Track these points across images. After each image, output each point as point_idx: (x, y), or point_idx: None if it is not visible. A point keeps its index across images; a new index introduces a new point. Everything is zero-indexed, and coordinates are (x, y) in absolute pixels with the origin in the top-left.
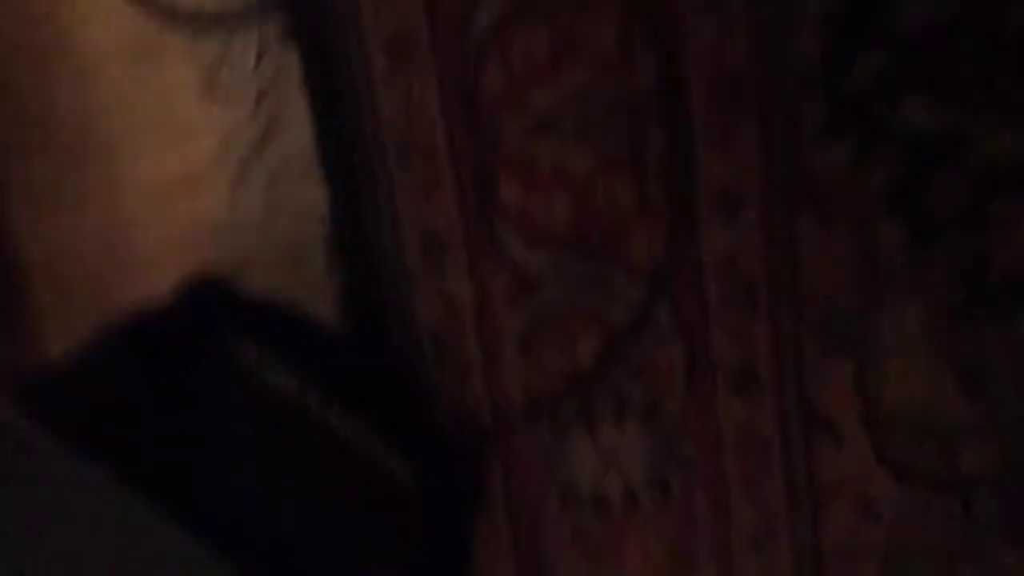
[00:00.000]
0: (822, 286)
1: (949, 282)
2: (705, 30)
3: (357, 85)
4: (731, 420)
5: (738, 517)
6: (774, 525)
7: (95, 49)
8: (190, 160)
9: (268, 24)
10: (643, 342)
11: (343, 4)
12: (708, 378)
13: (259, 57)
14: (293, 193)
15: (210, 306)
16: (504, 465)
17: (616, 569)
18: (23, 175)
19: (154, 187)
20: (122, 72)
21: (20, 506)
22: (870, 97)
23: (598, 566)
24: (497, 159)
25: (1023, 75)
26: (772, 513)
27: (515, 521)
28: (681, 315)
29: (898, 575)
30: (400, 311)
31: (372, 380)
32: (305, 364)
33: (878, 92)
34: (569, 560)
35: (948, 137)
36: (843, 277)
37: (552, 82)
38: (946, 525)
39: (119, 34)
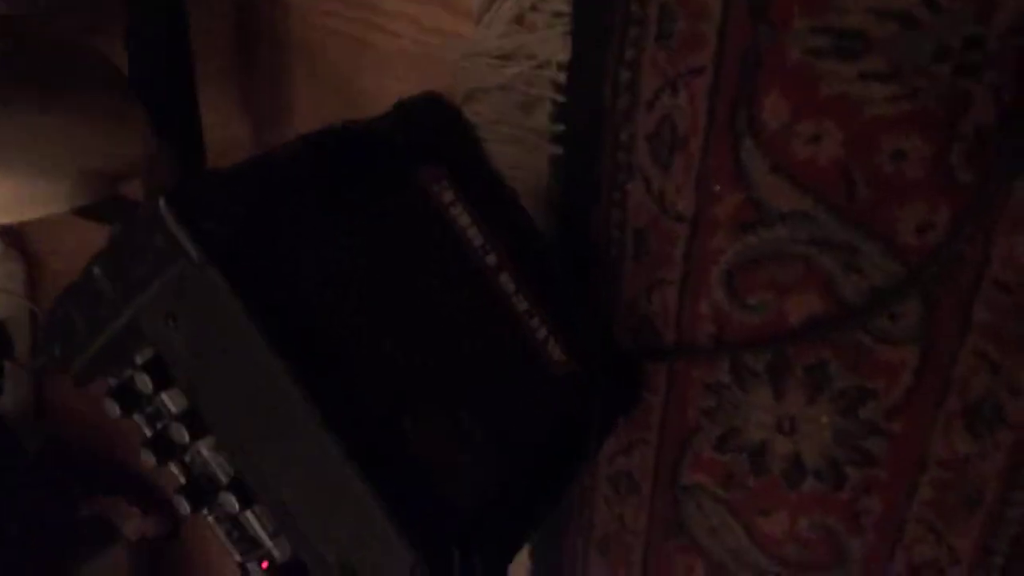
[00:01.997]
0: None
1: None
2: None
3: None
4: (946, 451)
5: (908, 542)
6: (948, 566)
7: None
8: None
9: None
10: (873, 331)
11: None
12: (936, 399)
13: None
14: (533, 42)
15: (425, 129)
16: (670, 386)
17: (750, 526)
18: None
19: None
20: None
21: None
22: None
23: (732, 517)
24: (772, 63)
25: None
26: (954, 557)
27: (663, 447)
28: (932, 319)
29: None
30: (612, 199)
31: (563, 261)
32: (495, 222)
33: None
34: (705, 499)
35: None
36: None
37: None
38: None
39: None
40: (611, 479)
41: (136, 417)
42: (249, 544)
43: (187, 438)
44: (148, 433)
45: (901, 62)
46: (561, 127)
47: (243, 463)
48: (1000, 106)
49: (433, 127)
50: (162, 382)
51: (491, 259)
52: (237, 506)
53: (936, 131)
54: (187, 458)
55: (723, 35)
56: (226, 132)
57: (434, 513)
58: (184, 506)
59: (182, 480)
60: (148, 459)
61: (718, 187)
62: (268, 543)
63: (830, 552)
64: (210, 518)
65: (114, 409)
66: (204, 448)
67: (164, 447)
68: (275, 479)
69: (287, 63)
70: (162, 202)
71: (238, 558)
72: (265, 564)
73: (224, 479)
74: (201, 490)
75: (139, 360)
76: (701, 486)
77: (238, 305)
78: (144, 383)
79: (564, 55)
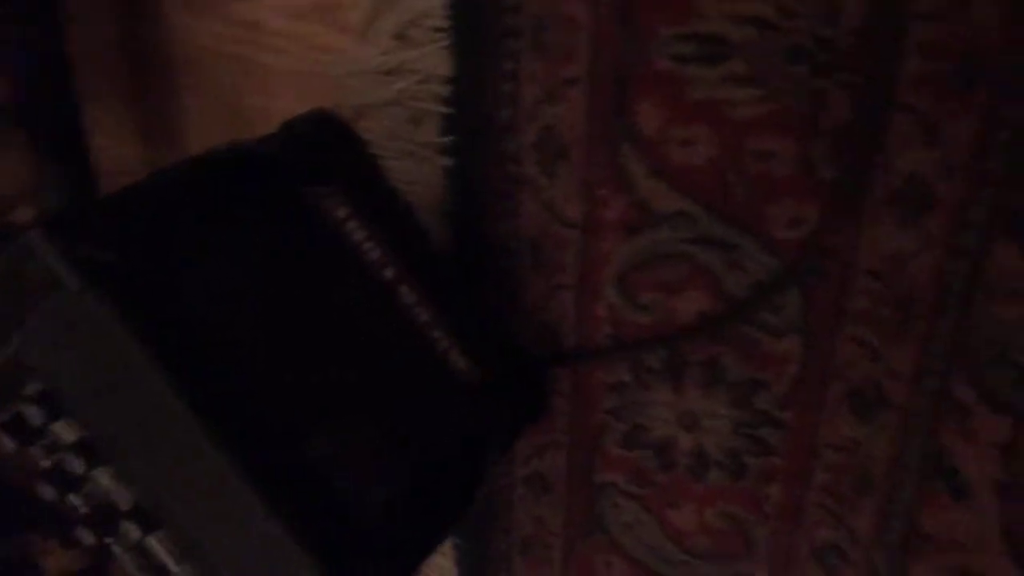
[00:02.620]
0: (998, 330)
1: None
2: None
3: None
4: (835, 436)
5: (809, 526)
6: (849, 547)
7: None
8: None
9: None
10: (758, 323)
11: None
12: (821, 386)
13: None
14: (415, 57)
15: (317, 147)
16: (575, 389)
17: (662, 521)
18: None
19: (291, 9)
20: None
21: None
22: None
23: (645, 513)
24: (642, 72)
25: None
26: (853, 537)
27: (574, 448)
28: (811, 311)
29: None
30: (504, 208)
31: (456, 274)
32: (390, 236)
33: None
34: (618, 497)
35: None
36: None
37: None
38: None
39: None
40: (526, 481)
41: (32, 450)
42: (157, 572)
43: (83, 468)
44: (46, 464)
45: (760, 65)
46: (450, 139)
47: (142, 490)
48: (854, 103)
49: (323, 144)
50: (53, 413)
51: (389, 272)
52: (140, 533)
53: (798, 130)
54: (86, 488)
55: (594, 45)
56: (117, 154)
57: (337, 528)
58: (87, 537)
59: (83, 510)
60: (47, 491)
61: (603, 192)
62: (175, 569)
63: (738, 541)
64: (116, 548)
65: (8, 443)
66: (103, 477)
67: (61, 478)
68: (176, 504)
69: (176, 84)
70: (34, 231)
71: None
72: None
73: (124, 507)
74: (103, 519)
75: (28, 391)
76: (613, 483)
77: (122, 330)
78: (33, 415)
79: (446, 69)
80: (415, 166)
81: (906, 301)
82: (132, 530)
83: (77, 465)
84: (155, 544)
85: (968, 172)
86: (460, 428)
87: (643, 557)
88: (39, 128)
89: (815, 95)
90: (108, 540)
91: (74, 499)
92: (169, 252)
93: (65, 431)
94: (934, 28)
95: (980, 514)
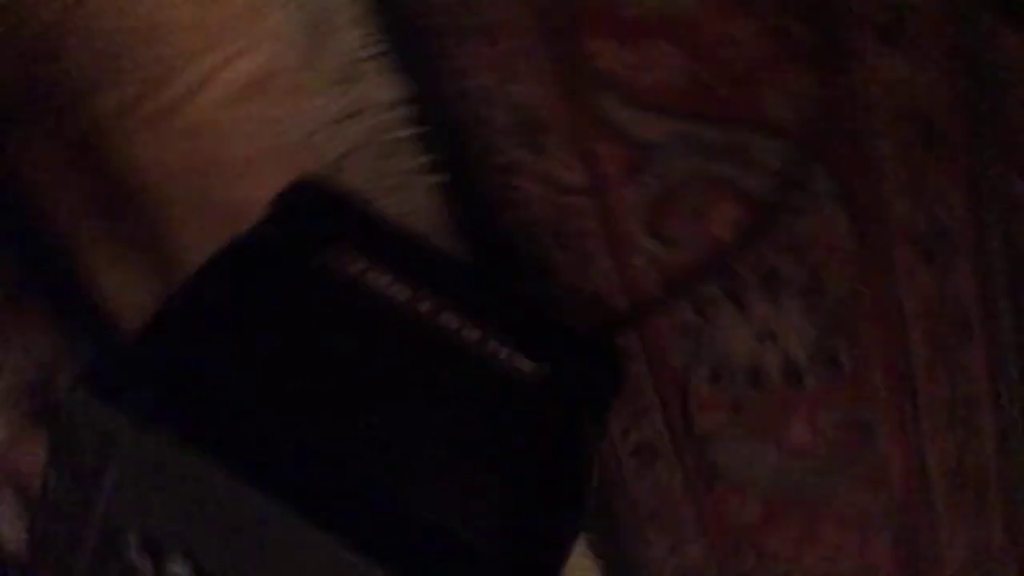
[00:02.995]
0: None
1: None
2: None
3: None
4: (916, 290)
5: (927, 393)
6: (973, 399)
7: None
8: (256, 60)
9: None
10: (796, 212)
11: None
12: (883, 245)
13: None
14: (370, 90)
15: (309, 214)
16: (646, 347)
17: (778, 444)
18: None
19: (231, 96)
20: None
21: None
22: None
23: (758, 443)
24: (587, 16)
25: None
26: (971, 389)
27: (666, 405)
28: (842, 176)
29: None
30: (509, 199)
31: (489, 281)
32: (413, 271)
33: None
34: (727, 438)
35: None
36: None
37: None
38: None
39: None
40: (635, 455)
41: None
42: None
43: None
44: None
45: None
46: (432, 156)
47: None
48: None
49: (314, 209)
50: (160, 557)
51: (425, 306)
52: None
53: (762, 5)
54: None
55: (534, 8)
56: (122, 290)
57: (461, 565)
58: None
59: None
60: None
61: (595, 147)
62: None
63: (855, 437)
64: None
65: None
66: None
67: None
68: None
69: (153, 207)
70: (75, 392)
71: None
72: None
73: None
74: None
75: (131, 544)
76: (717, 425)
77: (193, 458)
78: (146, 566)
79: (402, 90)
80: (409, 196)
81: (927, 120)
82: None
83: None
84: None
85: None
86: (545, 429)
87: (771, 487)
88: (55, 301)
89: None
90: None
91: None
92: (209, 364)
93: (179, 566)
94: None
95: None
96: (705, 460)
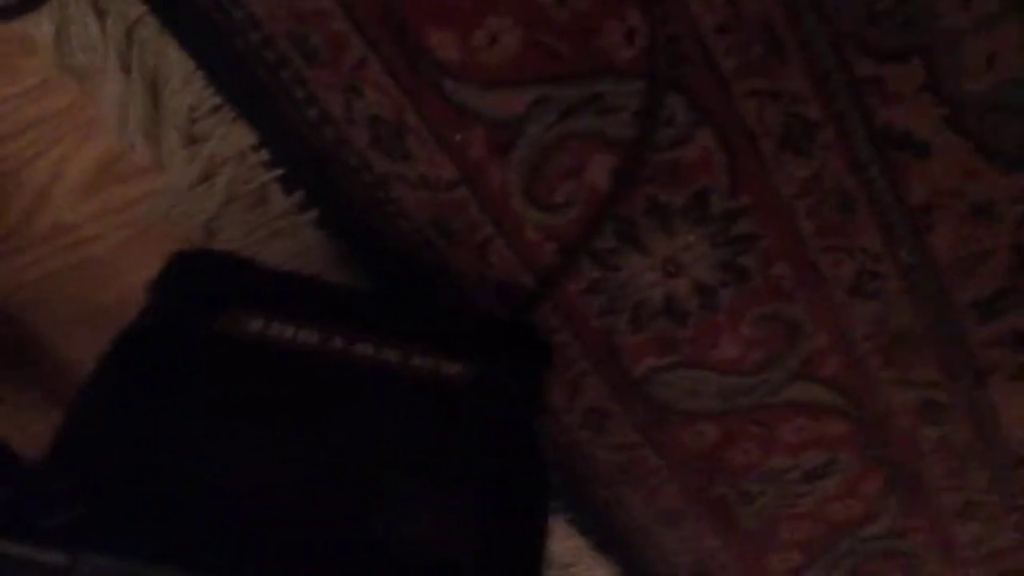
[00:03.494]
0: None
1: None
2: None
3: None
4: (791, 180)
5: (832, 272)
6: (875, 265)
7: None
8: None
9: None
10: (664, 144)
11: None
12: (751, 148)
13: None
14: (217, 147)
15: (193, 287)
16: (564, 314)
17: (715, 366)
18: None
19: (78, 193)
20: None
21: None
22: None
23: (697, 371)
24: (411, 10)
25: None
26: (870, 255)
27: (600, 364)
28: (697, 99)
29: None
30: (390, 212)
31: (392, 301)
32: (314, 313)
33: None
34: (666, 377)
35: None
36: None
37: None
38: None
39: None
40: (584, 424)
41: None
42: None
43: None
44: None
45: None
46: (300, 193)
47: None
48: None
49: (198, 279)
50: None
51: (336, 344)
52: None
53: None
54: None
55: (352, 15)
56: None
57: None
58: None
59: None
60: None
61: (458, 136)
62: None
63: (783, 332)
64: None
65: None
66: None
67: None
68: None
69: (27, 333)
70: None
71: None
72: None
73: None
74: None
75: None
76: (652, 368)
77: (139, 571)
78: None
79: (251, 136)
80: (288, 240)
81: (765, 28)
82: None
83: None
84: None
85: None
86: (489, 424)
87: (720, 407)
88: None
89: None
90: None
91: None
92: (126, 464)
93: None
94: None
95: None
96: (653, 403)
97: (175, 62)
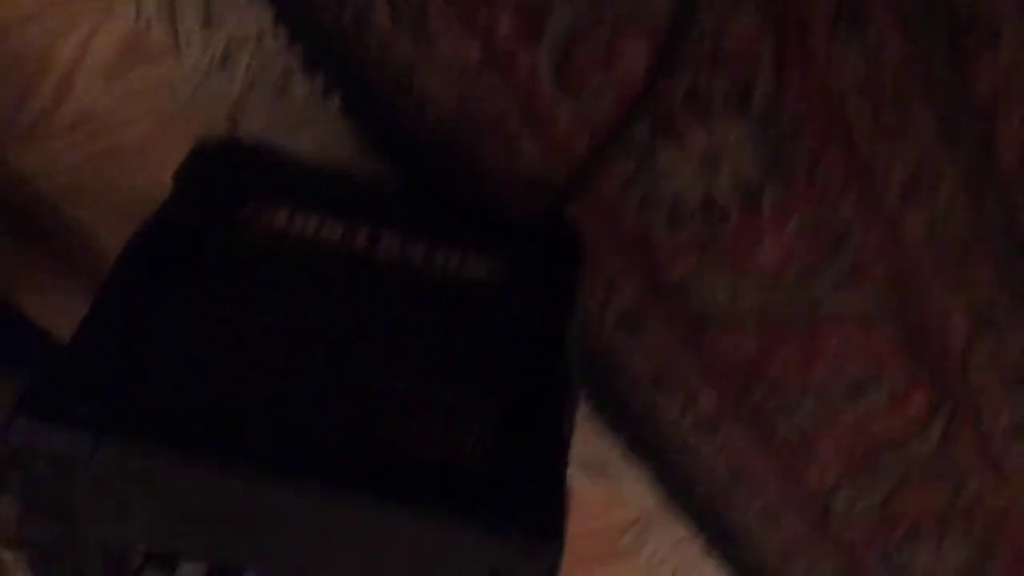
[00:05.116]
0: None
1: None
2: None
3: None
4: (844, 73)
5: (888, 170)
6: (931, 167)
7: None
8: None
9: None
10: (704, 28)
11: None
12: (800, 35)
13: None
14: (235, 24)
15: (219, 177)
16: (596, 209)
17: (760, 268)
18: None
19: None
20: None
21: None
22: None
23: (740, 275)
24: None
25: None
26: (927, 153)
27: (635, 265)
28: None
29: None
30: (413, 105)
31: (418, 197)
32: (340, 206)
33: None
34: (704, 281)
35: None
36: None
37: None
38: None
39: None
40: (618, 325)
41: None
42: None
43: None
44: None
45: None
46: (320, 77)
47: None
48: None
49: (224, 169)
50: (171, 564)
51: (361, 239)
52: None
53: None
54: None
55: None
56: (49, 306)
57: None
58: None
59: None
60: None
61: (485, 15)
62: None
63: (830, 236)
64: None
65: None
66: None
67: None
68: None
69: (57, 214)
70: (16, 421)
71: None
72: None
73: None
74: None
75: (138, 561)
76: (690, 271)
77: (165, 459)
78: None
79: (269, 17)
80: (314, 130)
81: None
82: None
83: None
84: None
85: None
86: (516, 326)
87: (761, 315)
88: None
89: None
90: None
91: None
92: (152, 354)
93: (192, 572)
94: None
95: None
96: (690, 309)
97: None
